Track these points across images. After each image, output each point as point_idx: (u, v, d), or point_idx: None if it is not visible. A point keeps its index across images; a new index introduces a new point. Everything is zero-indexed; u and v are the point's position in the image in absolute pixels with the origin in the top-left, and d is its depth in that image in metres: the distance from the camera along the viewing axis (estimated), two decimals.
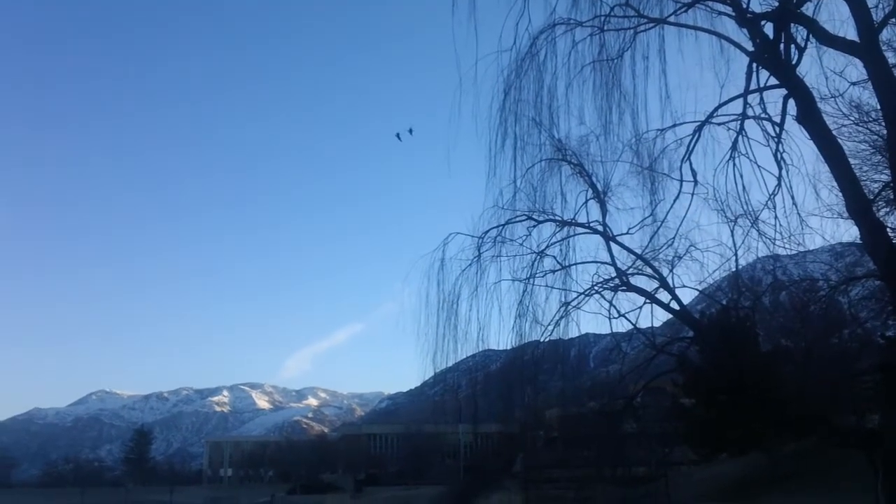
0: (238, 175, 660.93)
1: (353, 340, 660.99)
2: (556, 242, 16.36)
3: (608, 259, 16.52)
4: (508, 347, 17.21)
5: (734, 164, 13.36)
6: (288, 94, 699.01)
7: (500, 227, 16.40)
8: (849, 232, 16.05)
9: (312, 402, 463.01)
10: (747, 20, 12.20)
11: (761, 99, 12.89)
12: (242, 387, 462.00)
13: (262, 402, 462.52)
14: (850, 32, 11.62)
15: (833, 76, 12.98)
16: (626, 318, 16.94)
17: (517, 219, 16.35)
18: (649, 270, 16.32)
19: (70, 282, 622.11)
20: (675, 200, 14.51)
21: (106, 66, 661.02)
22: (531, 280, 16.21)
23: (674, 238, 15.46)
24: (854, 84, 13.41)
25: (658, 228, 15.21)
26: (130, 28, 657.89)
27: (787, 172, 13.05)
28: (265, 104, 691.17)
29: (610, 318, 16.85)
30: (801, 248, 14.44)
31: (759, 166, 13.27)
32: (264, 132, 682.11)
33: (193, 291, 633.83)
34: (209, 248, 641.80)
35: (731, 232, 14.30)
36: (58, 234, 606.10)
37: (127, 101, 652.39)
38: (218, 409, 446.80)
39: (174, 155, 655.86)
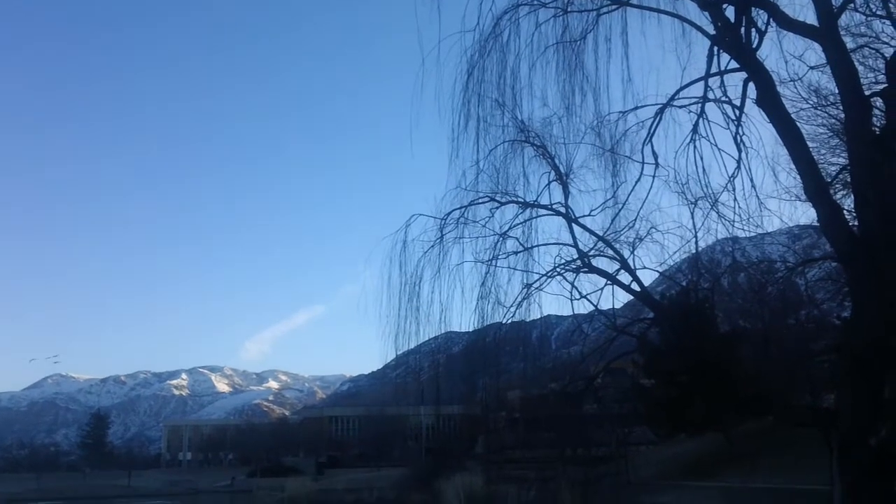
0: (193, 155, 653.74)
1: (314, 323, 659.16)
2: (518, 224, 16.29)
3: (570, 241, 16.49)
4: (471, 329, 17.22)
5: (695, 147, 13.47)
6: (247, 73, 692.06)
7: (463, 209, 16.32)
8: (806, 214, 16.33)
9: (273, 384, 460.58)
10: (709, 3, 12.28)
11: (722, 82, 13.01)
12: (202, 370, 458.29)
13: (222, 386, 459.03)
14: (810, 17, 11.81)
15: (793, 60, 13.20)
16: (587, 299, 16.94)
17: (480, 200, 16.27)
18: (611, 252, 16.34)
19: (25, 263, 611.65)
20: (636, 182, 14.59)
21: (85, 65, 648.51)
22: (494, 262, 16.16)
23: (635, 220, 15.54)
24: (813, 68, 13.63)
25: (619, 210, 15.27)
26: (117, 28, 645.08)
27: (747, 155, 13.20)
28: (223, 84, 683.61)
29: (572, 300, 16.83)
30: (760, 230, 14.65)
31: (719, 149, 13.40)
32: (223, 110, 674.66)
33: (152, 274, 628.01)
34: (167, 231, 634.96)
35: (692, 214, 14.43)
36: (13, 218, 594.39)
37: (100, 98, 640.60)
38: (176, 392, 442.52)
39: (134, 140, 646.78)
